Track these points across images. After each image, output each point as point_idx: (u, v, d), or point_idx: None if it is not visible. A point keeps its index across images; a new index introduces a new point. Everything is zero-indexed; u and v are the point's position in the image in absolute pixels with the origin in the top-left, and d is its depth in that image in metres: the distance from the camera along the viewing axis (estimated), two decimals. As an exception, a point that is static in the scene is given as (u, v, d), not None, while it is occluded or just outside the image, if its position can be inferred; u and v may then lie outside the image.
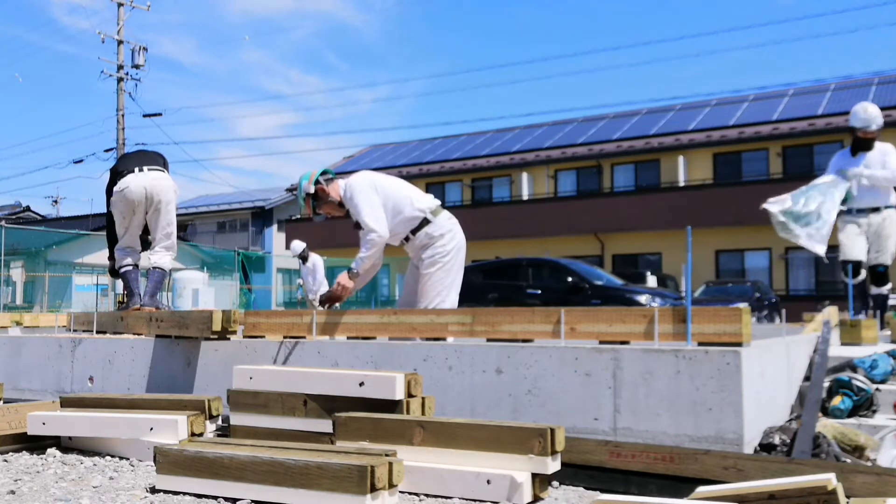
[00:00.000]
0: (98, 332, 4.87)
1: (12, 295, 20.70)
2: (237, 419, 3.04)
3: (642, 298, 10.27)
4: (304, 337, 3.74)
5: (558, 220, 23.16)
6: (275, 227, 34.06)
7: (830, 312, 5.49)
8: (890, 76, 23.05)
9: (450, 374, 3.16)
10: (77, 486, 2.55)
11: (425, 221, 4.18)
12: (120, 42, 25.35)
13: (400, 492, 2.37)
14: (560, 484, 2.60)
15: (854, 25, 58.20)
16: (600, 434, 2.81)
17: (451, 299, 4.16)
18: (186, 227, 34.05)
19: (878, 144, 6.27)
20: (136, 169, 5.00)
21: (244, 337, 3.91)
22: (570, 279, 11.06)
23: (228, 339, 3.85)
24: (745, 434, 2.61)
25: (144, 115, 25.90)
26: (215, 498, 2.34)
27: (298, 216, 28.60)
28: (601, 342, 3.01)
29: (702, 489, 1.92)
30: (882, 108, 6.41)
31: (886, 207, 6.25)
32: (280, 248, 30.23)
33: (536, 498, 2.35)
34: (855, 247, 6.24)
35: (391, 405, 2.74)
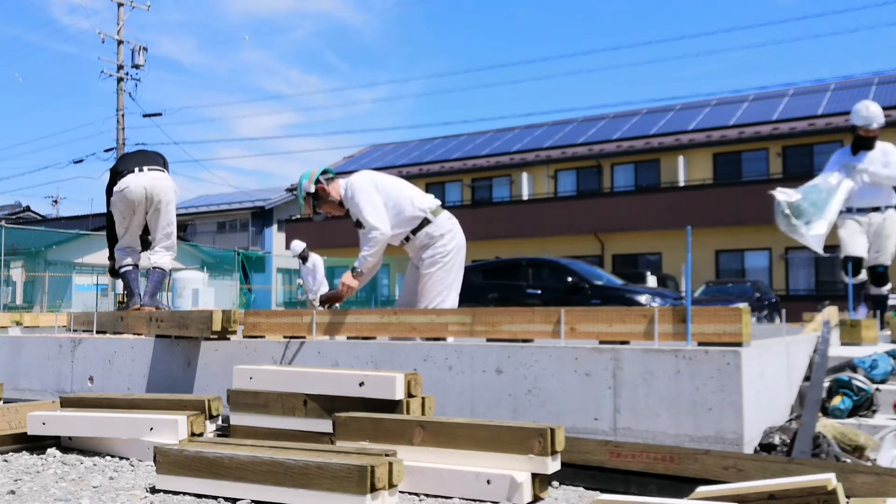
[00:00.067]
0: (98, 332, 4.87)
1: (12, 295, 20.70)
2: (237, 419, 3.04)
3: (642, 298, 10.27)
4: (304, 337, 3.74)
5: (558, 220, 23.16)
6: (275, 227, 34.06)
7: (830, 312, 5.49)
8: (890, 76, 23.06)
9: (450, 374, 3.16)
10: (77, 486, 2.55)
11: (426, 221, 4.18)
12: (120, 42, 25.35)
13: (400, 492, 2.37)
14: (560, 484, 2.60)
15: (854, 25, 58.23)
16: (600, 434, 2.81)
17: (451, 299, 4.16)
18: (186, 227, 34.05)
19: (879, 144, 6.24)
20: (136, 169, 5.00)
21: (244, 337, 3.91)
22: (570, 279, 11.06)
23: (228, 339, 3.85)
24: (745, 434, 2.61)
25: (144, 115, 25.93)
26: (215, 498, 2.34)
27: (298, 216, 28.61)
28: (601, 342, 3.01)
29: (702, 489, 1.92)
30: (882, 108, 6.38)
31: (887, 207, 6.24)
32: (280, 248, 30.23)
33: (536, 498, 2.35)
34: (856, 244, 6.22)
35: (391, 405, 2.74)
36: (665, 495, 2.32)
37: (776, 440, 2.71)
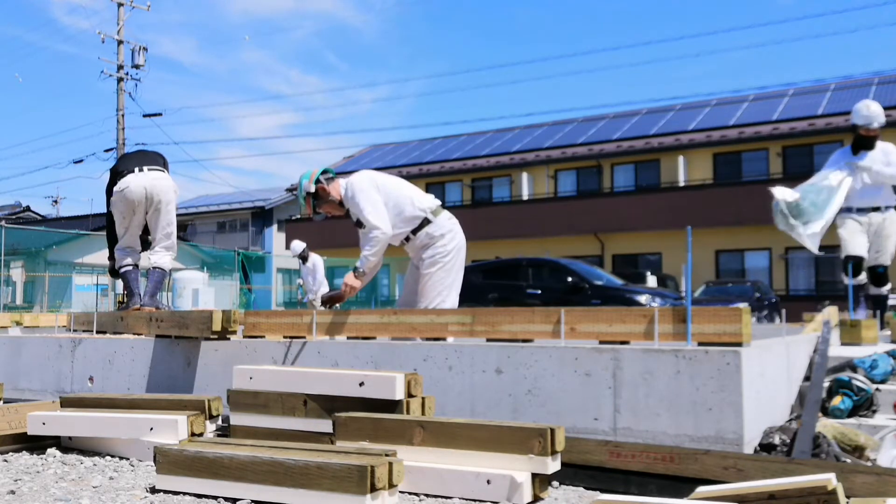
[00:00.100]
0: (98, 332, 4.87)
1: (12, 295, 20.70)
2: (237, 419, 3.04)
3: (642, 298, 10.27)
4: (304, 337, 3.74)
5: (558, 220, 23.16)
6: (275, 227, 34.06)
7: (830, 312, 5.49)
8: (890, 76, 23.05)
9: (450, 374, 3.16)
10: (77, 486, 2.55)
11: (426, 221, 4.18)
12: (120, 42, 25.35)
13: (400, 492, 2.37)
14: (560, 484, 2.60)
15: (854, 25, 58.23)
16: (600, 434, 2.81)
17: (451, 299, 4.16)
18: (186, 227, 34.06)
19: (879, 143, 6.20)
20: (136, 169, 5.00)
21: (244, 337, 3.91)
22: (570, 279, 11.06)
23: (228, 339, 3.85)
24: (745, 434, 2.61)
25: (144, 115, 25.92)
26: (215, 498, 2.34)
27: (298, 216, 28.61)
28: (601, 342, 3.01)
29: (702, 489, 1.92)
30: (882, 108, 6.35)
31: (887, 207, 6.23)
32: (280, 248, 30.23)
33: (536, 498, 2.35)
34: (856, 243, 6.20)
35: (391, 405, 2.74)
36: (665, 495, 2.32)
37: (776, 440, 2.71)
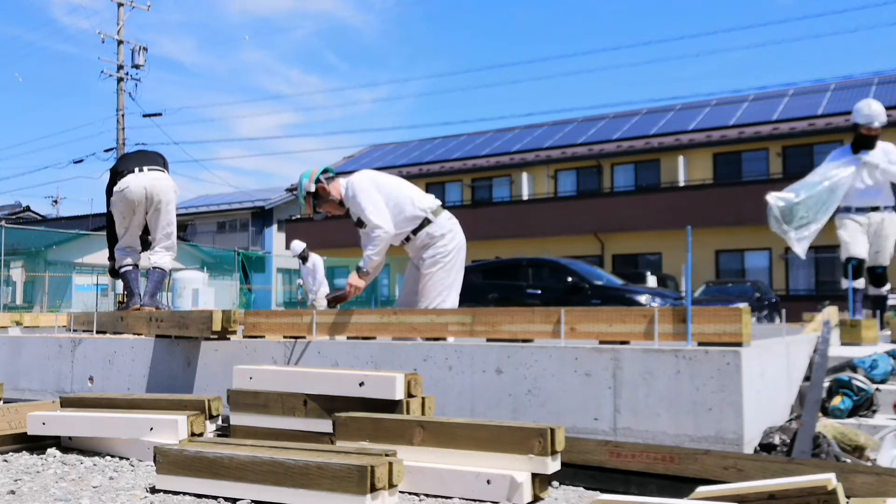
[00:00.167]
0: (98, 332, 4.87)
1: (12, 295, 20.70)
2: (237, 419, 3.04)
3: (642, 298, 10.27)
4: (304, 337, 3.74)
5: (558, 220, 23.16)
6: (275, 227, 34.06)
7: (830, 312, 5.49)
8: (890, 76, 23.05)
9: (450, 374, 3.16)
10: (77, 486, 2.55)
11: (426, 221, 4.18)
12: (120, 42, 25.36)
13: (400, 492, 2.37)
14: (560, 484, 2.60)
15: (854, 25, 58.20)
16: (600, 434, 2.81)
17: (451, 299, 4.16)
18: (186, 227, 34.05)
19: (879, 143, 6.17)
20: (136, 169, 5.00)
21: (244, 337, 3.91)
22: (570, 279, 11.06)
23: (228, 339, 3.85)
24: (745, 434, 2.61)
25: (144, 115, 25.92)
26: (215, 498, 2.34)
27: (298, 216, 28.61)
28: (601, 342, 3.01)
29: (702, 489, 1.92)
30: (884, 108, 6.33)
31: (886, 208, 6.22)
32: (280, 248, 30.24)
33: (536, 498, 2.35)
34: (858, 244, 6.17)
35: (391, 405, 2.74)
36: (665, 495, 2.32)
37: (776, 440, 2.71)
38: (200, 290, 17.35)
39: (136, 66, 25.41)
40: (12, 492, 2.45)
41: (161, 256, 5.09)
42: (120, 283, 5.41)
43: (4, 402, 3.93)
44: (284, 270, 29.18)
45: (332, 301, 4.31)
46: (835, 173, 6.06)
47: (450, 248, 4.18)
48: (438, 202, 4.31)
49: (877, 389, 3.40)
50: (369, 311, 3.70)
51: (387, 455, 2.26)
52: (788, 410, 3.42)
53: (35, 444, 3.21)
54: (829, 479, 1.74)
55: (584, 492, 2.53)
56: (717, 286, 16.76)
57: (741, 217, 19.73)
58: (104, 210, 5.38)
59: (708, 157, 22.97)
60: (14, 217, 34.03)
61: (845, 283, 6.11)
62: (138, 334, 4.34)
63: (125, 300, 5.24)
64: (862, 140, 6.16)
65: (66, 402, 3.39)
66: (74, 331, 5.35)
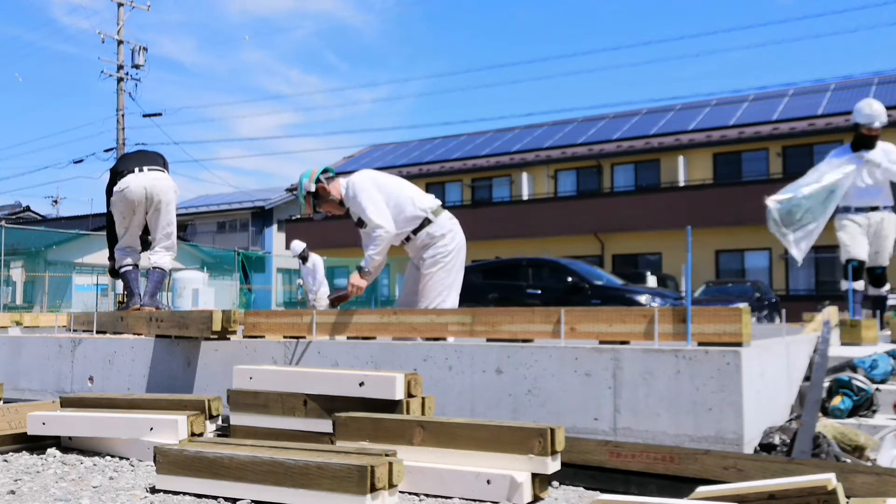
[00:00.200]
0: (98, 332, 4.87)
1: (12, 295, 20.70)
2: (237, 419, 3.04)
3: (642, 298, 10.27)
4: (304, 337, 3.74)
5: (558, 220, 23.16)
6: (275, 227, 34.06)
7: (830, 312, 5.48)
8: (890, 76, 23.05)
9: (450, 374, 3.16)
10: (77, 486, 2.55)
11: (426, 221, 4.18)
12: (120, 42, 25.35)
13: (400, 492, 2.37)
14: (560, 484, 2.60)
15: (854, 25, 58.21)
16: (600, 434, 2.81)
17: (451, 299, 4.16)
18: (186, 227, 34.05)
19: (880, 144, 6.14)
20: (136, 169, 5.00)
21: (244, 337, 3.91)
22: (570, 279, 11.06)
23: (228, 339, 3.85)
24: (745, 434, 2.61)
25: (144, 115, 25.92)
26: (215, 498, 2.34)
27: (298, 216, 28.62)
28: (601, 342, 3.01)
29: (702, 489, 1.92)
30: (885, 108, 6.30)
31: (885, 208, 6.21)
32: (280, 248, 30.24)
33: (536, 498, 2.35)
34: (858, 246, 6.15)
35: (391, 405, 2.74)
36: (665, 495, 2.32)
37: (776, 440, 2.71)
38: (200, 290, 17.35)
39: (136, 66, 25.41)
40: (12, 492, 2.45)
41: (161, 256, 5.09)
42: (120, 283, 5.42)
43: (4, 402, 3.93)
44: (284, 270, 29.18)
45: (334, 301, 4.31)
46: (835, 172, 6.04)
47: (450, 248, 4.18)
48: (439, 202, 4.31)
49: (877, 389, 3.40)
50: (369, 311, 3.70)
51: (387, 455, 2.26)
52: (788, 410, 3.42)
53: (35, 444, 3.21)
54: (829, 479, 1.74)
55: (584, 492, 2.53)
56: (717, 286, 16.77)
57: (741, 217, 19.73)
58: (104, 210, 5.38)
59: (708, 157, 22.97)
60: (14, 217, 34.04)
61: (845, 285, 6.11)
62: (138, 334, 4.34)
63: (125, 300, 5.24)
64: (862, 140, 6.13)
65: (66, 402, 3.39)
66: (74, 331, 5.35)
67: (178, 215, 5.26)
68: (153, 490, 2.48)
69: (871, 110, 6.06)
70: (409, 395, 2.77)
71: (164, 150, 31.28)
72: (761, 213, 6.09)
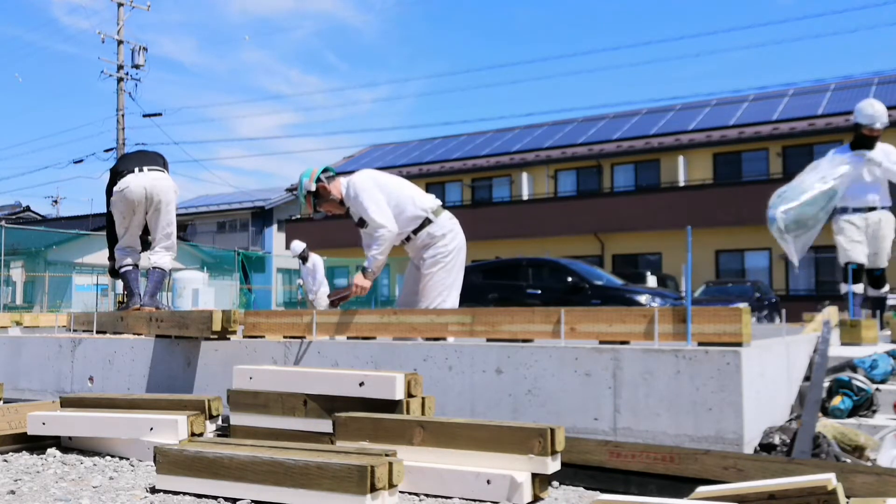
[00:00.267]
0: (98, 332, 4.87)
1: (12, 295, 20.70)
2: (237, 419, 3.04)
3: (642, 298, 10.27)
4: (304, 337, 3.74)
5: (558, 220, 23.16)
6: (275, 227, 34.06)
7: (830, 312, 5.48)
8: (890, 76, 23.05)
9: (450, 374, 3.16)
10: (77, 486, 2.55)
11: (427, 221, 4.18)
12: (120, 42, 25.35)
13: (400, 492, 2.37)
14: (560, 484, 2.60)
15: (854, 25, 58.21)
16: (600, 434, 2.81)
17: (451, 299, 4.16)
18: (186, 227, 34.05)
19: (879, 145, 6.10)
20: (136, 169, 5.00)
21: (244, 337, 3.91)
22: (570, 279, 11.06)
23: (228, 339, 3.85)
24: (745, 434, 2.61)
25: (144, 115, 25.93)
26: (215, 498, 2.34)
27: (298, 216, 28.62)
28: (601, 342, 3.01)
29: (702, 489, 1.92)
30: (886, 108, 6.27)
31: (883, 208, 6.19)
32: (280, 248, 30.23)
33: (536, 498, 2.35)
34: (856, 250, 6.12)
35: (391, 405, 2.74)
36: (665, 495, 2.32)
37: (776, 440, 2.71)
38: (200, 290, 17.36)
39: (136, 66, 25.41)
40: (12, 492, 2.45)
41: (161, 256, 5.09)
42: (120, 283, 5.42)
43: (4, 402, 3.93)
44: (284, 270, 29.18)
45: (334, 300, 4.31)
46: (835, 172, 6.01)
47: (450, 248, 4.18)
48: (439, 202, 4.31)
49: (877, 389, 3.40)
50: (369, 311, 3.70)
51: (387, 455, 2.26)
52: (788, 410, 3.42)
53: (35, 444, 3.21)
54: (829, 479, 1.74)
55: (584, 492, 2.53)
56: (717, 286, 16.76)
57: (741, 217, 19.73)
58: (104, 210, 5.38)
59: (708, 157, 22.97)
60: (14, 217, 34.03)
61: (844, 288, 6.09)
62: (138, 334, 4.34)
63: (125, 300, 5.24)
64: (862, 140, 6.08)
65: (66, 402, 3.39)
66: (74, 331, 5.35)
67: (178, 215, 5.26)
68: (153, 490, 2.48)
69: (873, 111, 6.01)
70: (410, 395, 2.77)
71: (164, 150, 31.32)
72: (761, 213, 6.08)
